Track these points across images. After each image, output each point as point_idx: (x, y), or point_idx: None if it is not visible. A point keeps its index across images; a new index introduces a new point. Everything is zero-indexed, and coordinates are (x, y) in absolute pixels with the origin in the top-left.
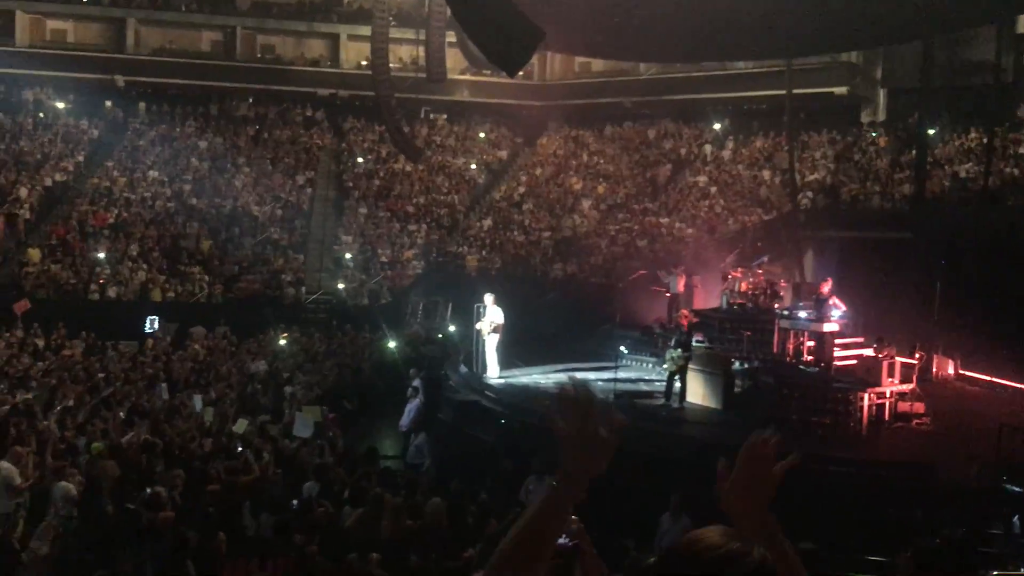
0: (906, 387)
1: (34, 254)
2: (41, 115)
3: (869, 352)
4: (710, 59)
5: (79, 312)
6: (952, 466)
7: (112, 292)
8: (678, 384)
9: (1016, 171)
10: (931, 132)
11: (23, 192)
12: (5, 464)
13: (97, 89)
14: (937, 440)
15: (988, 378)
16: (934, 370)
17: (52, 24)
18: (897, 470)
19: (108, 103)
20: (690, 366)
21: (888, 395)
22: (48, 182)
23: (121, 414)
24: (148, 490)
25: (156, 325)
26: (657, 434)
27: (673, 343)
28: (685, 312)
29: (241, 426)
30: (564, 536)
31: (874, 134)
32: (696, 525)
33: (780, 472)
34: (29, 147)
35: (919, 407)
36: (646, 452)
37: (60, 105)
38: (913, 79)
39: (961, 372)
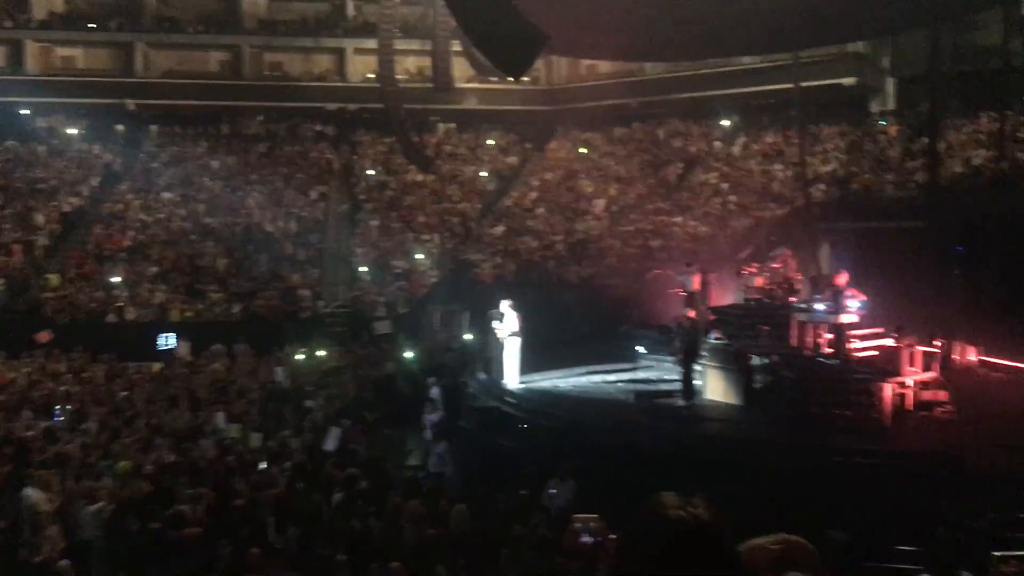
0: (928, 376)
1: (53, 280)
2: (54, 142)
3: (889, 342)
4: (716, 56)
5: (99, 335)
6: (977, 454)
7: (131, 314)
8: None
9: None
10: (942, 119)
11: (39, 219)
12: (31, 491)
13: (108, 114)
14: (961, 428)
15: (1011, 363)
16: (955, 358)
17: (61, 52)
18: (922, 460)
19: (119, 127)
20: (710, 363)
21: (910, 384)
22: (64, 208)
23: (145, 434)
24: (173, 508)
25: (172, 341)
26: (678, 432)
27: (679, 341)
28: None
29: (256, 439)
30: (587, 535)
31: (884, 123)
32: None
33: None
34: (43, 174)
35: (942, 395)
36: (668, 450)
37: (72, 131)
38: (922, 67)
39: (983, 359)
